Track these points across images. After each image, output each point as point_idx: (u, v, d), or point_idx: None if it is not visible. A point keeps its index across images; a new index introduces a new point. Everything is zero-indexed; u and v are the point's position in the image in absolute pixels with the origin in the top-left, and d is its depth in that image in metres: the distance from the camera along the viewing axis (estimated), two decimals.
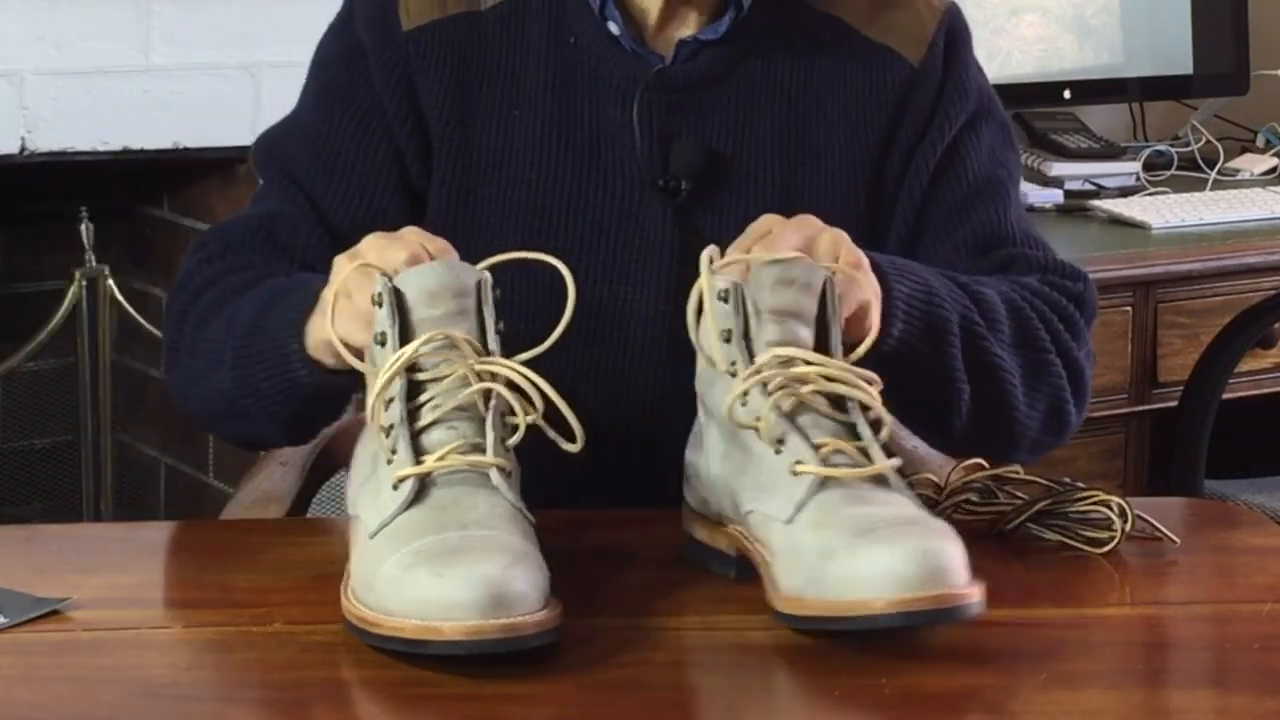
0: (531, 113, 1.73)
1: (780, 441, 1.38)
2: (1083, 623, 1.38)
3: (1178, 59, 3.53)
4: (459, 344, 1.40)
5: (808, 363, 1.40)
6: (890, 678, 1.31)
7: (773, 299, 1.41)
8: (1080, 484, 1.57)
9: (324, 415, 1.65)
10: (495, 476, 1.37)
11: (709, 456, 1.45)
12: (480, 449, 1.37)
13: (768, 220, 1.51)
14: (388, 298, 1.40)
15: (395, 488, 1.35)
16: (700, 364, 1.46)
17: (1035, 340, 1.65)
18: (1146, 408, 2.97)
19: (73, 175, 3.08)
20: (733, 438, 1.42)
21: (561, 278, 1.46)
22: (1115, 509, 1.53)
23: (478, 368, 1.39)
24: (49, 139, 2.93)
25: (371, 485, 1.39)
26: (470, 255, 1.73)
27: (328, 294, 1.46)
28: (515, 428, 1.40)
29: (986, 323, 1.61)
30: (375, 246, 1.46)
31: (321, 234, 1.71)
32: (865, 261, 1.50)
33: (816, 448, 1.38)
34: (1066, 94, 3.44)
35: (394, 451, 1.37)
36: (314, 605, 1.39)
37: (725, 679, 1.32)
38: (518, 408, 1.40)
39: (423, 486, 1.36)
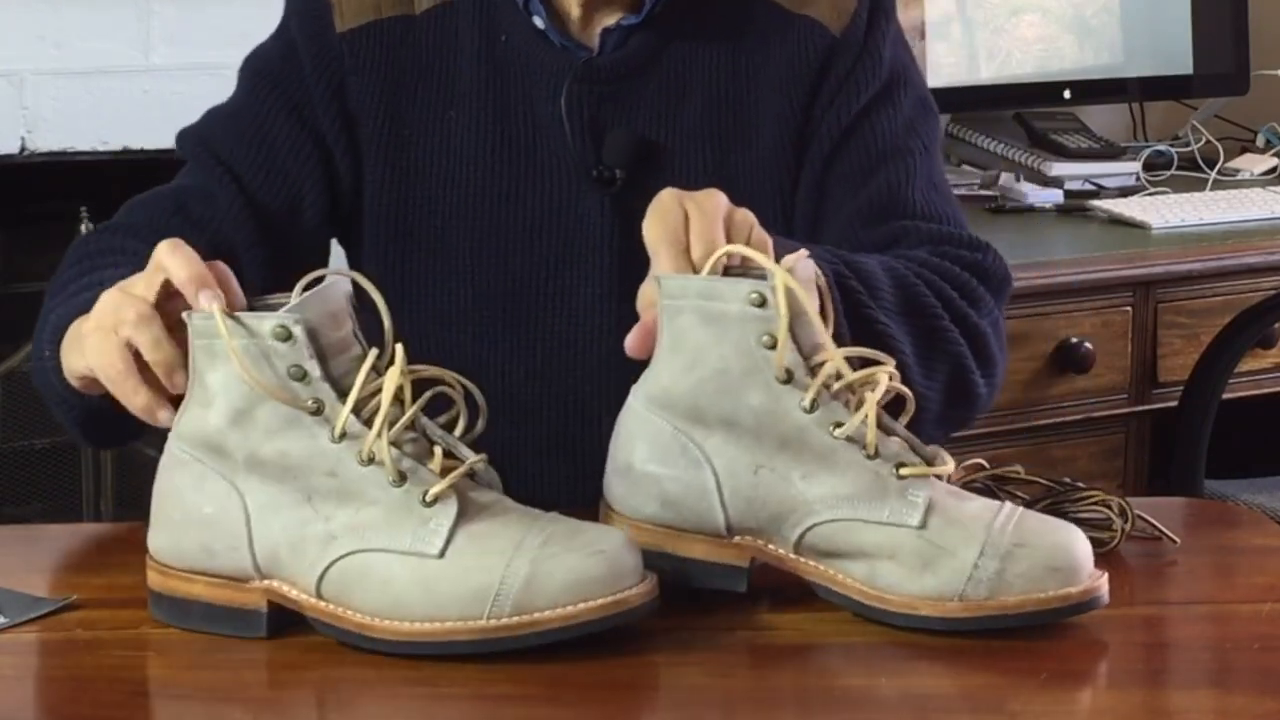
0: (467, 112, 1.74)
1: (877, 447, 1.37)
2: (1083, 623, 1.37)
3: (1178, 59, 3.53)
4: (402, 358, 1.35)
5: (875, 362, 1.39)
6: (890, 678, 1.31)
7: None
8: (1080, 484, 1.57)
9: (108, 426, 1.53)
10: (488, 472, 1.37)
11: (720, 469, 1.38)
12: (454, 454, 1.36)
13: (671, 201, 1.44)
14: (299, 330, 1.33)
15: (429, 505, 1.32)
16: (693, 372, 1.39)
17: (923, 307, 1.61)
18: (1146, 408, 2.97)
19: (73, 175, 3.08)
20: (781, 446, 1.37)
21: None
22: (1115, 509, 1.53)
23: (413, 377, 1.35)
24: (49, 139, 2.93)
25: (372, 513, 1.32)
26: (416, 256, 1.74)
27: (86, 327, 1.40)
28: (450, 424, 1.38)
29: (867, 290, 1.56)
30: (143, 278, 1.39)
31: (243, 206, 1.72)
32: (771, 243, 1.45)
33: (898, 447, 1.38)
34: (1066, 94, 3.44)
35: (402, 476, 1.32)
36: None
37: (725, 679, 1.31)
38: (462, 405, 1.37)
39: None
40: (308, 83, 1.75)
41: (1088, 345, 2.87)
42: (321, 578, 1.33)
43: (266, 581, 1.35)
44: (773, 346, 1.36)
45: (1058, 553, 1.34)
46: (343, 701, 1.30)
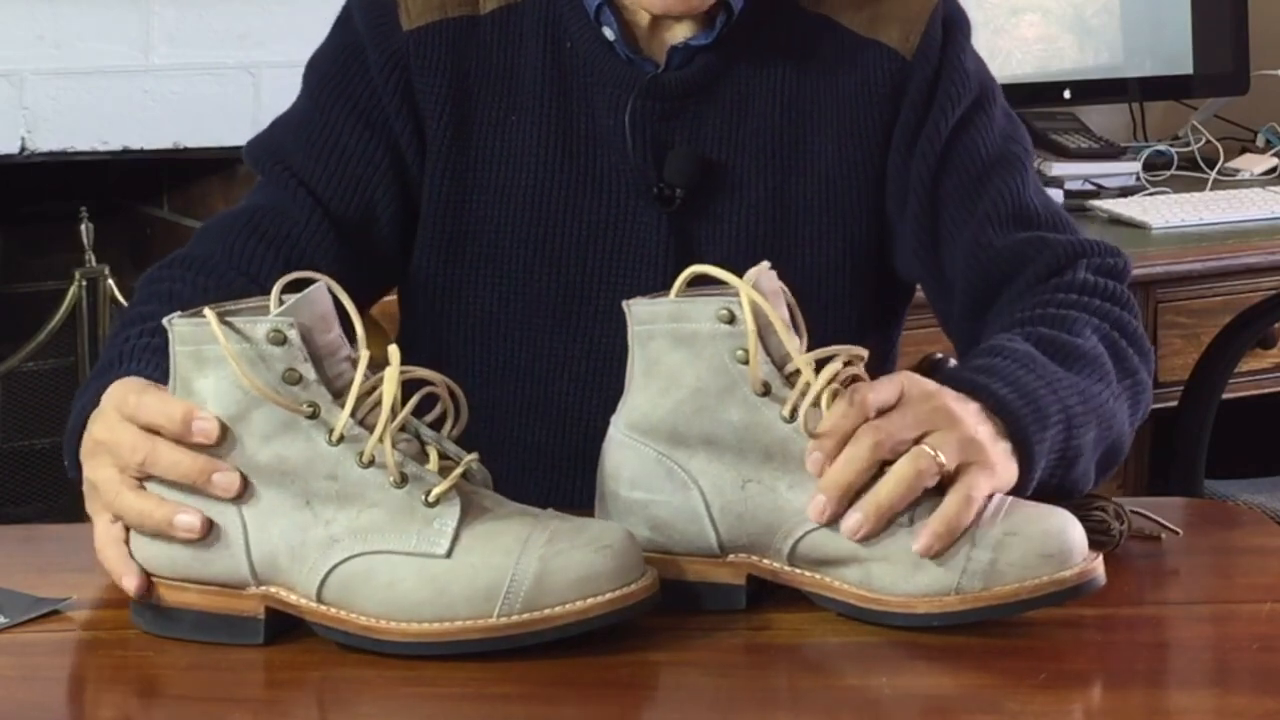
0: (528, 118, 1.73)
1: None
2: (1083, 623, 1.37)
3: (1178, 59, 3.53)
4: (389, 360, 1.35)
5: (847, 363, 1.38)
6: (890, 678, 1.31)
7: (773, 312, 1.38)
8: None
9: None
10: (481, 470, 1.36)
11: (706, 488, 1.38)
12: (448, 455, 1.35)
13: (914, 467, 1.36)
14: (294, 334, 1.32)
15: (432, 505, 1.31)
16: (670, 395, 1.38)
17: (1132, 370, 1.60)
18: None
19: (73, 175, 3.08)
20: (766, 459, 1.36)
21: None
22: (1111, 513, 1.52)
23: (404, 378, 1.34)
24: (49, 139, 2.93)
25: (374, 515, 1.31)
26: (468, 258, 1.74)
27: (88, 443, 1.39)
28: (437, 424, 1.37)
29: (1096, 403, 1.52)
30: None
31: (320, 219, 1.71)
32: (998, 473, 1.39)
33: None
34: (1066, 94, 3.44)
35: (404, 477, 1.31)
36: None
37: (725, 679, 1.31)
38: (449, 405, 1.37)
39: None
40: (375, 83, 1.73)
41: None
42: (323, 582, 1.32)
43: (264, 588, 1.34)
44: (746, 361, 1.36)
45: (1049, 539, 1.34)
46: (343, 701, 1.30)
